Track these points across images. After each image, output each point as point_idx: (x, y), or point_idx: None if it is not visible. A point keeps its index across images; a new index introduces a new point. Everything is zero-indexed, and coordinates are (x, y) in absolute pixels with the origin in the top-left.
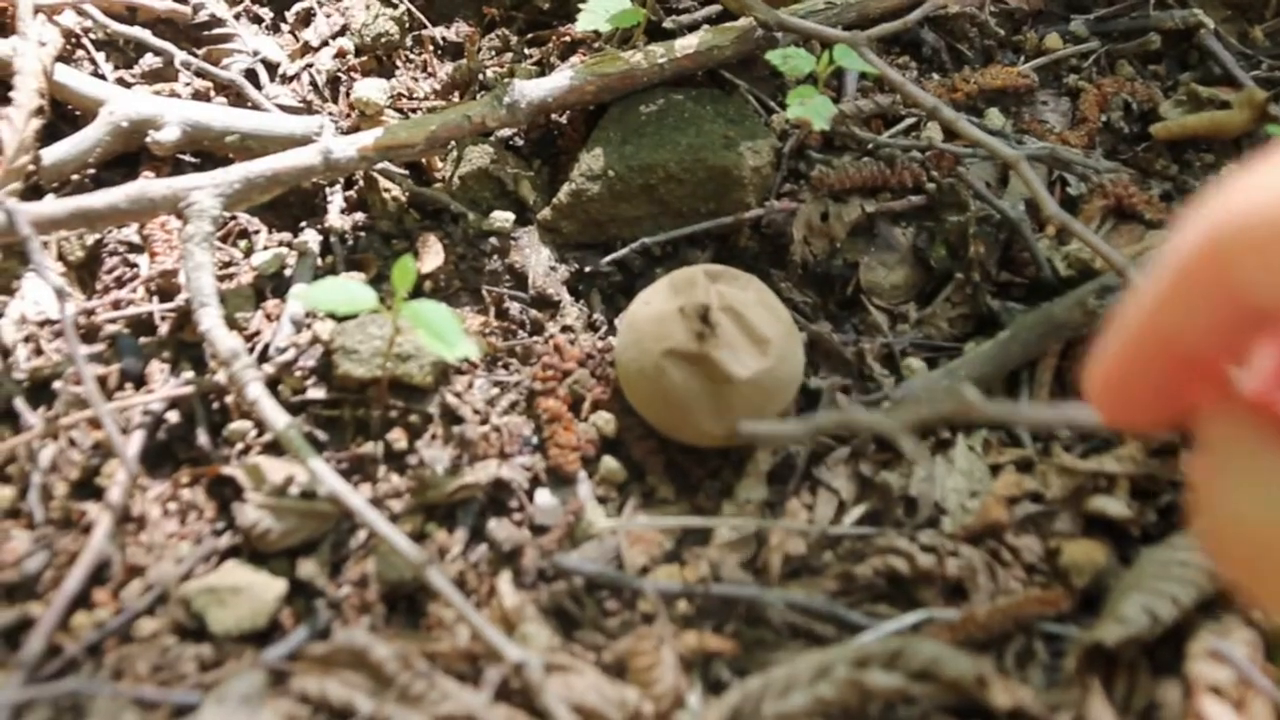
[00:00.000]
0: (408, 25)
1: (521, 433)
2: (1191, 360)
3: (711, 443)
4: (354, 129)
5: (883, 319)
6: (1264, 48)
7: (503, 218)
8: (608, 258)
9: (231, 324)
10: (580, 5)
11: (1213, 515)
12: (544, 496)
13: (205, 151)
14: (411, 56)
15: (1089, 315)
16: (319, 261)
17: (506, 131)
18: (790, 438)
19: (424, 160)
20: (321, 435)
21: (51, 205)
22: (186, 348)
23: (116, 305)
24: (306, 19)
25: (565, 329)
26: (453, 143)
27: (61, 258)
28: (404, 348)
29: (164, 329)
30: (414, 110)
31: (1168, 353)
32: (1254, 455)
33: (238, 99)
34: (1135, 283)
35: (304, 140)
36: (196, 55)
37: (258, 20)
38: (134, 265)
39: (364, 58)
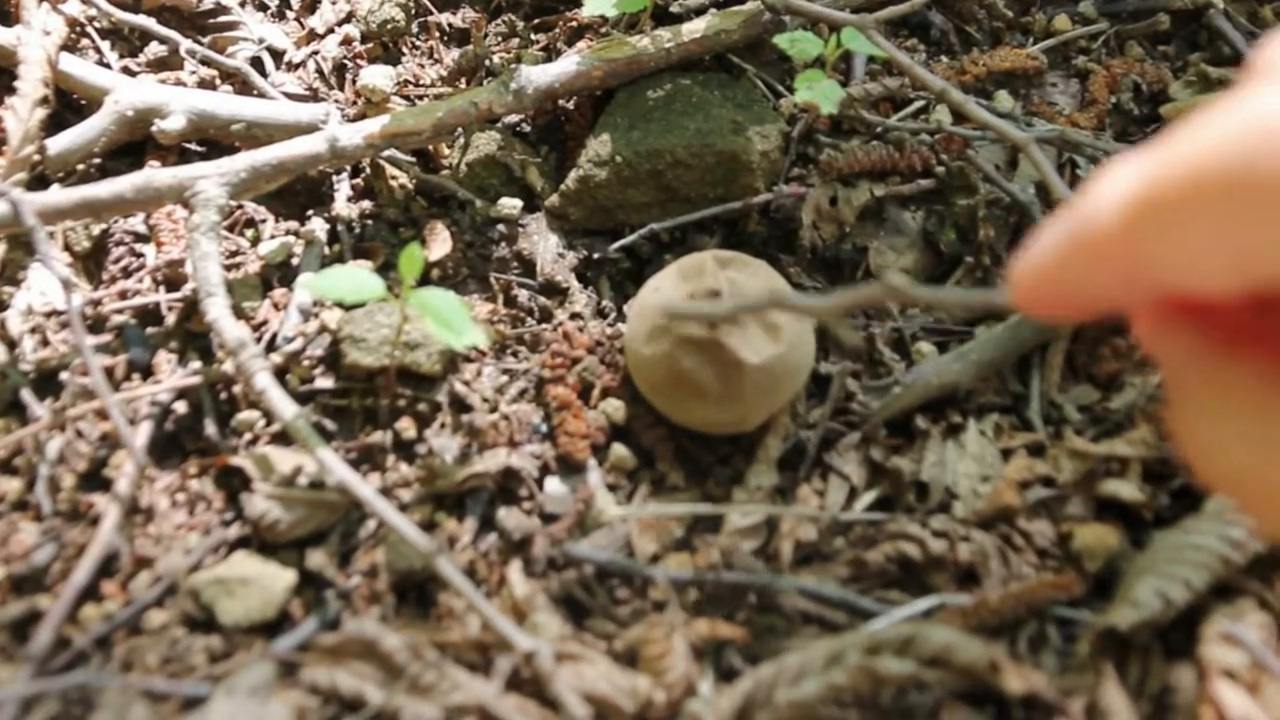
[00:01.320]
0: (414, 11)
1: (531, 421)
2: (1147, 281)
3: (721, 429)
4: (360, 116)
5: (892, 303)
6: (1273, 27)
7: (510, 205)
8: (616, 244)
9: (239, 313)
10: None
11: (1190, 442)
12: (554, 484)
13: (211, 140)
14: (418, 43)
15: None
16: (326, 250)
17: (513, 118)
18: (714, 316)
19: (431, 147)
20: (330, 425)
21: (57, 195)
22: (194, 338)
23: (123, 295)
24: (312, 6)
25: (574, 316)
26: (459, 129)
27: (68, 248)
28: (412, 336)
29: (171, 319)
30: (420, 97)
31: (1120, 270)
32: (1212, 380)
33: (243, 87)
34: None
35: (310, 128)
36: (202, 43)
37: (263, 7)
38: (140, 255)
39: (370, 44)
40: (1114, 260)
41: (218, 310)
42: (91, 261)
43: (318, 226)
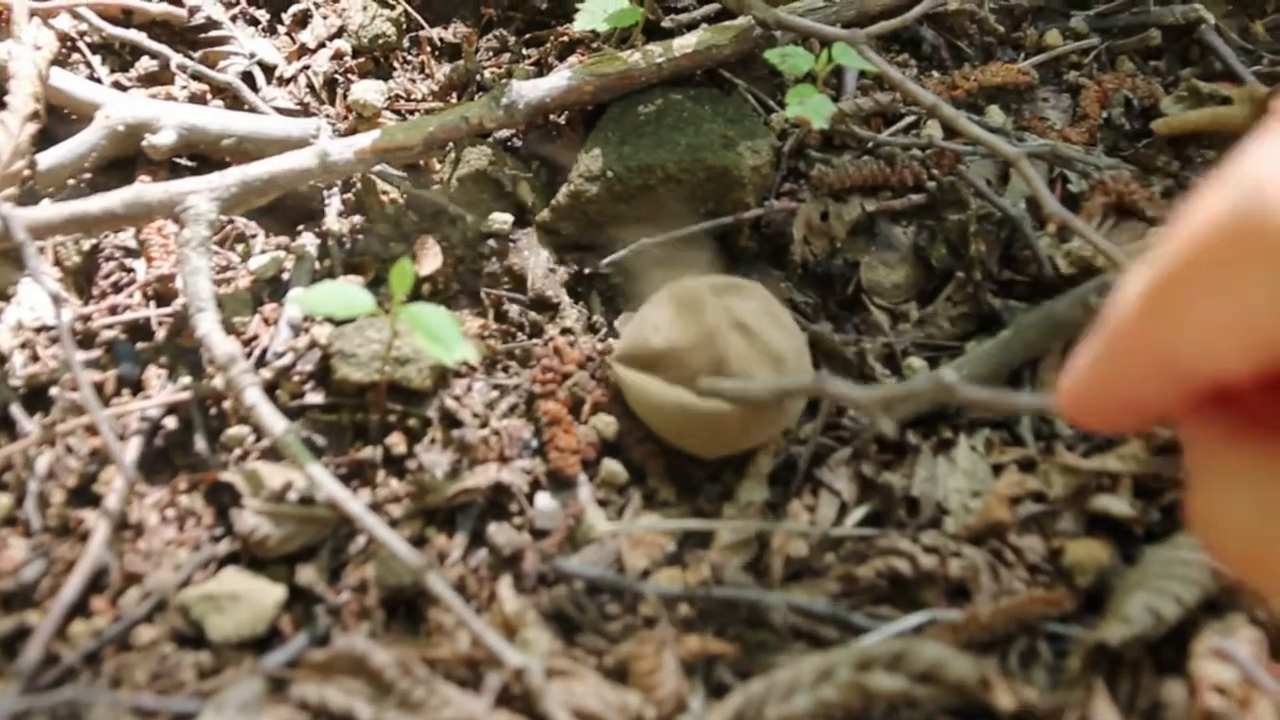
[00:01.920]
0: (405, 26)
1: (521, 436)
2: (1173, 372)
3: (728, 450)
4: (351, 131)
5: (884, 318)
6: (1265, 43)
7: (501, 219)
8: (607, 259)
9: (229, 328)
10: (578, 5)
11: (1205, 519)
12: (544, 500)
13: (202, 155)
14: (409, 58)
15: (1091, 313)
16: (317, 265)
17: (505, 132)
18: (756, 396)
19: (422, 162)
20: (320, 440)
21: (47, 210)
22: (184, 353)
23: (113, 310)
24: (303, 20)
25: (565, 331)
26: (450, 144)
27: (58, 263)
28: (402, 351)
29: (161, 334)
30: (411, 112)
31: (1147, 364)
32: (1229, 463)
33: (234, 102)
34: (1118, 290)
35: (301, 143)
36: (192, 58)
37: (254, 22)
38: (130, 270)
39: (361, 59)
40: (1141, 354)
41: (208, 325)
42: (82, 276)
43: (308, 241)
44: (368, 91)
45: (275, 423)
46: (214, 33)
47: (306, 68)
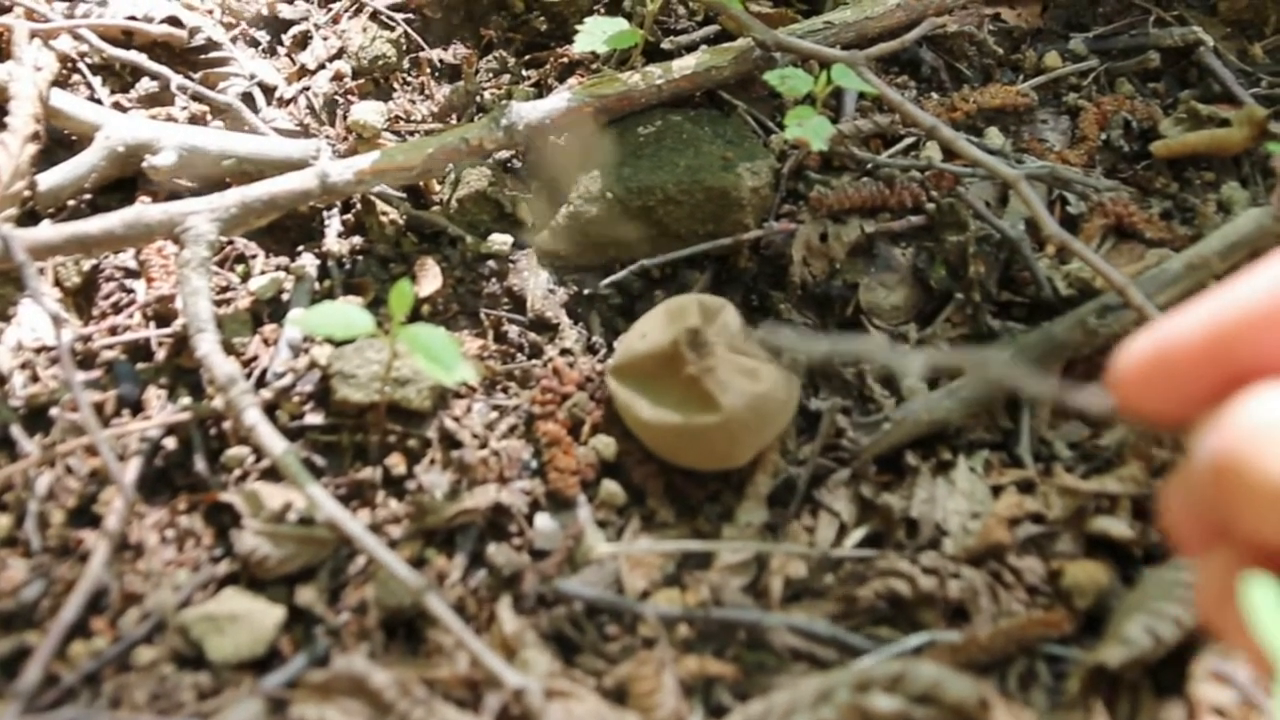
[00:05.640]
0: (405, 48)
1: (520, 456)
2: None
3: (710, 466)
4: (351, 152)
5: (883, 340)
6: (1263, 65)
7: (500, 240)
8: (606, 280)
9: (229, 349)
10: (578, 26)
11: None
12: (543, 520)
13: (202, 176)
14: (409, 79)
15: (1090, 334)
16: (316, 286)
17: (504, 153)
18: (808, 351)
19: (421, 183)
20: (319, 461)
21: (48, 231)
22: (184, 373)
23: (113, 331)
24: (303, 42)
25: (564, 352)
26: (450, 165)
27: (58, 284)
28: (402, 372)
29: (161, 355)
30: (411, 133)
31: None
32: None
33: (234, 123)
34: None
35: (301, 164)
36: (193, 79)
37: (254, 43)
38: (131, 291)
39: (361, 80)
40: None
41: (208, 346)
42: (82, 297)
43: (308, 262)
44: (368, 112)
45: (275, 443)
46: (214, 54)
47: (306, 89)
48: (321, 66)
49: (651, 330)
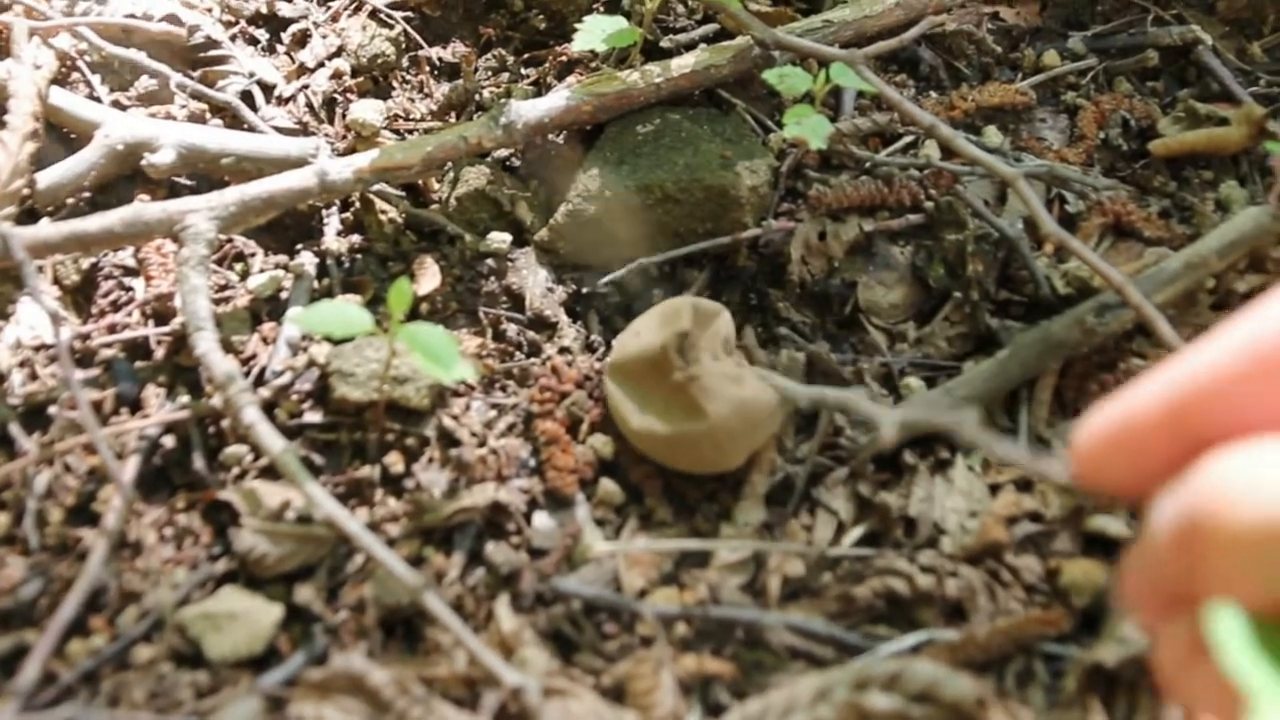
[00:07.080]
0: (404, 46)
1: (519, 455)
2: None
3: (704, 468)
4: (350, 150)
5: (881, 338)
6: (1262, 64)
7: (499, 239)
8: (605, 278)
9: (227, 347)
10: (576, 25)
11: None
12: (542, 519)
13: (201, 174)
14: (408, 77)
15: (1088, 333)
16: (315, 284)
17: (503, 152)
18: (793, 396)
19: (420, 181)
20: (318, 459)
21: (46, 229)
22: (182, 372)
23: (112, 329)
24: (302, 40)
25: (563, 350)
26: (449, 164)
27: (57, 281)
28: (401, 370)
29: (160, 353)
30: (410, 131)
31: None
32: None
33: (233, 121)
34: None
35: (300, 162)
36: (192, 77)
37: (254, 42)
38: (129, 289)
39: (360, 79)
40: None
41: (206, 344)
42: (80, 295)
43: (307, 260)
44: (366, 111)
45: (273, 442)
46: (213, 52)
47: (305, 87)
48: (320, 65)
49: (645, 330)
